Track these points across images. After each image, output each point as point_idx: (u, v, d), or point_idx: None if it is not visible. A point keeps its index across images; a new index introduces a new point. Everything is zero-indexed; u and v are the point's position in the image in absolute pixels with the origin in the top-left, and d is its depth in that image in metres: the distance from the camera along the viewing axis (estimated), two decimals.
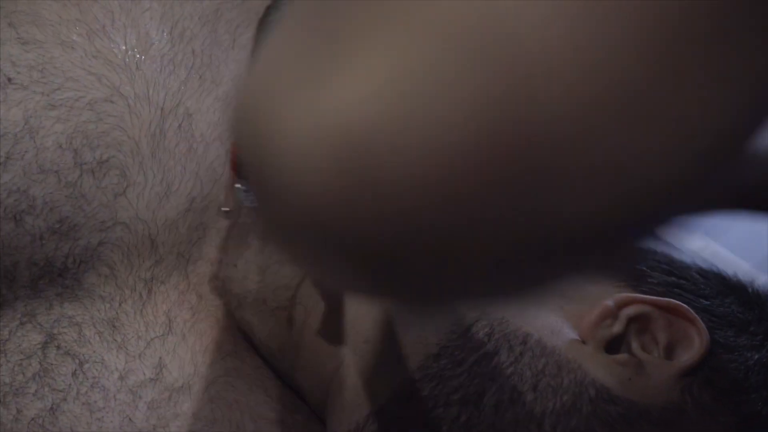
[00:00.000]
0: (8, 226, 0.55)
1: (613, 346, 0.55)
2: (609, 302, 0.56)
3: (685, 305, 0.56)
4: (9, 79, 0.55)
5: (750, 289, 0.61)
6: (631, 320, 0.56)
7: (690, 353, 0.55)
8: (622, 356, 0.54)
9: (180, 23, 0.59)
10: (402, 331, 0.56)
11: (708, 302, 0.58)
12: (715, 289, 0.60)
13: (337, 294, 0.58)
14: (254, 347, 0.61)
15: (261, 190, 0.25)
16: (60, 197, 0.55)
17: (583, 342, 0.55)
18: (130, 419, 0.56)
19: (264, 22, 0.59)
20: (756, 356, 0.57)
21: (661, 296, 0.57)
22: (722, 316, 0.58)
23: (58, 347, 0.56)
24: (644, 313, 0.56)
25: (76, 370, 0.56)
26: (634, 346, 0.55)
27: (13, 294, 0.56)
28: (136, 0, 0.58)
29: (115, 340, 0.57)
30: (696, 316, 0.56)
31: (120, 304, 0.58)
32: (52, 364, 0.56)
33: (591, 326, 0.55)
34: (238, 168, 0.56)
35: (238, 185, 0.56)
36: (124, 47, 0.57)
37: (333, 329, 0.58)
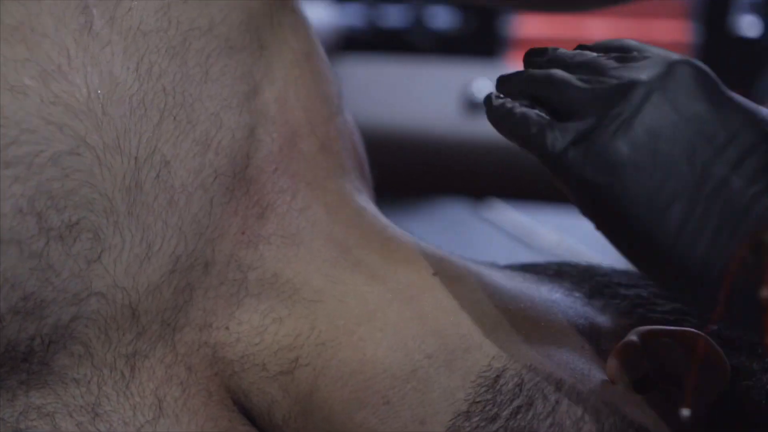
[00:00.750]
0: None
1: (640, 386, 0.53)
2: (634, 338, 0.53)
3: (706, 335, 0.53)
4: None
5: None
6: (655, 353, 0.53)
7: (715, 383, 0.52)
8: (654, 394, 0.52)
9: (146, 57, 0.51)
10: (424, 388, 0.51)
11: (715, 326, 0.55)
12: (656, 292, 0.59)
13: (350, 347, 0.52)
14: (252, 420, 0.54)
15: None
16: (23, 271, 0.47)
17: (613, 382, 0.52)
18: None
19: None
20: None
21: (674, 325, 0.55)
22: (732, 341, 0.56)
23: None
24: (668, 345, 0.53)
25: None
26: (662, 381, 0.53)
27: None
28: (93, 34, 0.51)
29: (99, 431, 0.49)
30: (716, 345, 0.53)
31: (100, 387, 0.50)
32: None
33: (619, 366, 0.53)
34: None
35: None
36: (86, 90, 0.50)
37: (348, 390, 0.51)
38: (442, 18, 3.22)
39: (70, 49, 0.50)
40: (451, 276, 0.56)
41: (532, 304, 0.56)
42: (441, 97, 1.79)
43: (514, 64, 2.30)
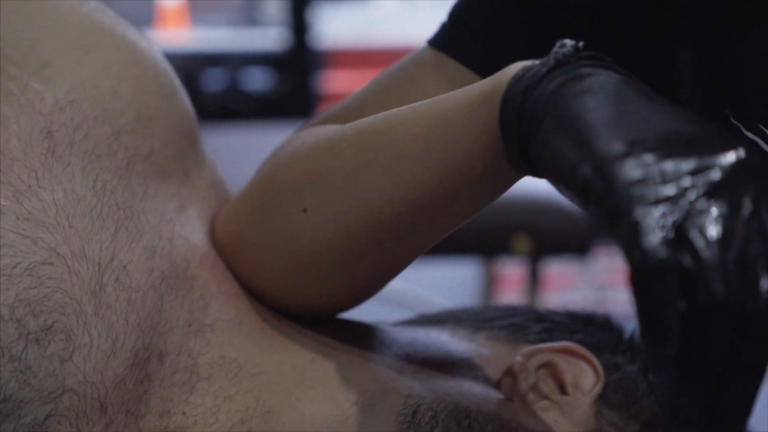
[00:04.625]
0: None
1: (532, 397, 0.63)
2: (518, 358, 0.64)
3: (573, 344, 0.64)
4: None
5: (594, 317, 0.71)
6: (539, 369, 0.63)
7: (591, 383, 0.63)
8: (543, 403, 0.62)
9: (100, 176, 0.59)
10: None
11: (580, 336, 0.67)
12: (578, 325, 0.69)
13: (290, 409, 0.60)
14: None
15: None
16: (4, 374, 0.53)
17: (510, 399, 0.62)
18: None
19: None
20: (634, 368, 0.66)
21: (547, 341, 0.66)
22: (595, 345, 0.66)
23: None
24: (548, 360, 0.63)
25: None
26: (547, 390, 0.63)
27: None
28: (57, 156, 0.58)
29: None
30: (586, 351, 0.64)
31: None
32: None
33: (510, 384, 0.63)
34: None
35: None
36: (53, 206, 0.56)
37: None
38: (258, 80, 3.31)
39: (37, 170, 0.57)
40: (357, 333, 0.65)
41: (426, 347, 0.66)
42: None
43: None
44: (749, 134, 0.59)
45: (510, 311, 0.71)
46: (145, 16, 3.87)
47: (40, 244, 0.55)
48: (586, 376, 0.63)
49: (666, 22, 0.59)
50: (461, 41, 0.63)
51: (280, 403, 0.60)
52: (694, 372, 0.40)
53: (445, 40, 0.64)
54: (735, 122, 0.60)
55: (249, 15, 4.39)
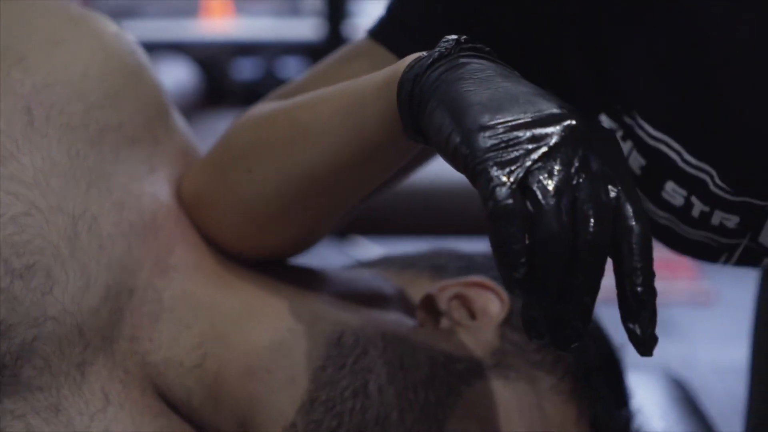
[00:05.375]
0: None
1: (444, 324, 0.74)
2: (432, 291, 0.75)
3: (481, 278, 0.76)
4: None
5: None
6: (451, 300, 0.75)
7: (497, 310, 0.75)
8: (452, 328, 0.74)
9: (74, 145, 0.70)
10: (290, 354, 0.71)
11: (494, 272, 0.76)
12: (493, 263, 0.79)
13: (238, 335, 0.72)
14: (174, 407, 0.72)
15: None
16: None
17: (422, 326, 0.74)
18: None
19: None
20: None
21: (464, 276, 0.77)
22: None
23: None
24: (459, 292, 0.75)
25: None
26: (459, 317, 0.75)
27: None
28: (35, 128, 0.69)
29: (61, 421, 0.66)
30: (492, 283, 0.76)
31: (59, 390, 0.67)
32: None
33: (424, 314, 0.75)
34: None
35: None
36: (32, 168, 0.68)
37: (240, 369, 0.71)
38: (292, 67, 3.42)
39: (18, 140, 0.68)
40: (299, 274, 0.77)
41: (357, 284, 0.78)
42: None
43: None
44: (627, 119, 0.70)
45: (435, 253, 0.82)
46: (191, 6, 4.01)
47: (21, 199, 0.66)
48: (492, 304, 0.75)
49: (558, 25, 0.70)
50: (393, 33, 0.74)
51: (230, 330, 0.72)
52: (537, 291, 0.51)
53: (380, 31, 0.75)
54: (616, 108, 0.70)
55: (291, 6, 4.51)
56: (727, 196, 0.69)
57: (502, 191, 0.50)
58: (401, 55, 0.72)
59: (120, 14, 3.36)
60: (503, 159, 0.51)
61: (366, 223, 1.72)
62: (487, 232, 0.51)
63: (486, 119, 0.53)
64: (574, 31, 0.70)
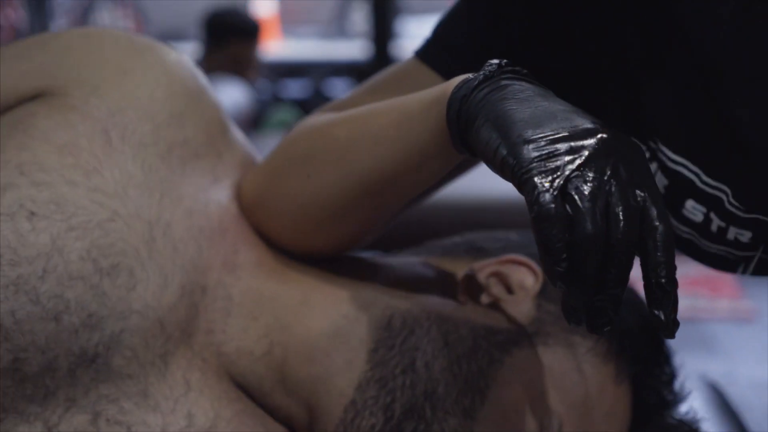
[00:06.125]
0: (50, 325, 0.71)
1: (484, 299, 0.80)
2: (468, 272, 0.81)
3: (515, 255, 0.82)
4: (32, 213, 0.72)
5: None
6: (489, 277, 0.81)
7: (532, 282, 0.81)
8: (491, 303, 0.80)
9: (147, 160, 0.78)
10: (346, 339, 0.78)
11: (529, 249, 0.83)
12: (528, 240, 0.84)
13: (298, 324, 0.79)
14: (248, 393, 0.79)
15: None
16: (87, 297, 0.72)
17: (464, 304, 0.80)
18: None
19: None
20: None
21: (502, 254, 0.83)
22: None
23: (107, 420, 0.73)
24: (495, 270, 0.81)
25: None
26: (497, 292, 0.80)
27: (55, 384, 0.72)
28: (113, 146, 0.77)
29: (149, 405, 0.74)
30: (526, 258, 0.81)
31: (146, 378, 0.74)
32: None
33: (464, 291, 0.81)
34: None
35: None
36: (112, 181, 0.76)
37: (302, 353, 0.78)
38: (339, 88, 3.49)
39: (99, 156, 0.76)
40: (350, 265, 0.84)
41: (403, 270, 0.84)
42: None
43: None
44: (651, 143, 0.77)
45: (474, 237, 0.88)
46: None
47: (105, 207, 0.74)
48: (527, 278, 0.80)
49: (592, 60, 0.78)
50: (438, 55, 0.82)
51: (291, 320, 0.79)
52: (576, 283, 0.56)
53: (426, 52, 0.83)
54: (640, 133, 0.77)
55: (339, 27, 4.59)
56: (740, 213, 0.75)
57: (546, 197, 0.57)
58: (446, 75, 0.79)
59: (169, 36, 3.45)
60: (546, 168, 0.58)
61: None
62: (533, 232, 0.57)
63: (529, 134, 0.60)
64: (606, 66, 0.77)
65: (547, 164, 0.58)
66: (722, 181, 0.75)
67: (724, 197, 0.75)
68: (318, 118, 0.82)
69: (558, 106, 0.62)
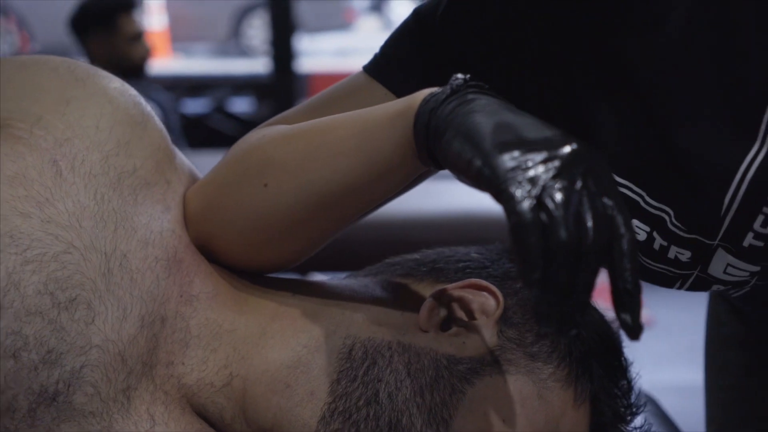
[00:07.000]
0: (8, 363, 0.69)
1: (445, 326, 0.79)
2: (430, 299, 0.80)
3: (476, 279, 0.80)
4: None
5: (505, 250, 0.87)
6: (450, 303, 0.80)
7: (493, 308, 0.79)
8: (453, 330, 0.79)
9: (98, 190, 0.77)
10: (308, 369, 0.78)
11: (490, 269, 0.83)
12: (489, 260, 0.85)
13: (258, 356, 0.79)
14: (211, 423, 0.79)
15: None
16: (46, 332, 0.70)
17: (426, 331, 0.79)
18: None
19: None
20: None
21: (459, 280, 0.82)
22: (501, 275, 0.83)
23: None
24: (457, 296, 0.80)
25: None
26: (459, 317, 0.79)
27: (14, 426, 0.70)
28: (63, 177, 0.76)
29: None
30: (487, 283, 0.80)
31: (110, 415, 0.73)
32: None
33: (426, 319, 0.79)
34: None
35: None
36: (66, 212, 0.74)
37: (263, 385, 0.77)
38: (239, 104, 3.48)
39: (51, 188, 0.75)
40: (309, 289, 0.84)
41: (363, 295, 0.83)
42: None
43: None
44: (619, 179, 0.80)
45: (434, 256, 0.87)
46: None
47: (60, 239, 0.72)
48: (489, 303, 0.79)
49: (544, 83, 0.81)
50: (390, 71, 0.84)
51: (250, 351, 0.78)
52: (549, 289, 0.59)
53: (377, 69, 0.84)
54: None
55: (235, 44, 4.56)
56: (682, 234, 0.79)
57: (524, 206, 0.59)
58: (397, 92, 0.81)
59: (54, 53, 3.37)
60: (522, 178, 0.60)
61: (323, 258, 1.78)
62: (511, 240, 0.60)
63: (503, 145, 0.62)
64: (556, 87, 0.80)
65: (524, 174, 0.60)
66: (665, 203, 0.78)
67: (666, 218, 0.78)
68: (270, 130, 0.83)
69: (525, 119, 0.65)
